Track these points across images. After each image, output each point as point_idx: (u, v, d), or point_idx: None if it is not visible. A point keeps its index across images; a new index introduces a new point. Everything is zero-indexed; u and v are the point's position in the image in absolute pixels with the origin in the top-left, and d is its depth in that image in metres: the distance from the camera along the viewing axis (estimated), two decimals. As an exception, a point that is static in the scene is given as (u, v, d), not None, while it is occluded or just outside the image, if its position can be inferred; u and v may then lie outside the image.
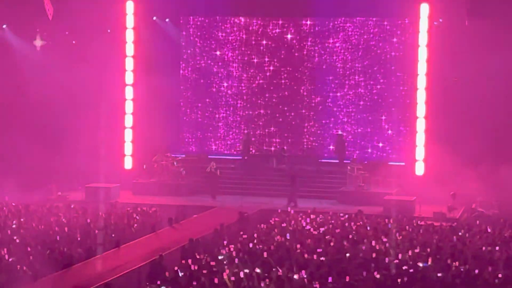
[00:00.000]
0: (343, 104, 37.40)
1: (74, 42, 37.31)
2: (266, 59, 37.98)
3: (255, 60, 38.03)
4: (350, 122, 37.35)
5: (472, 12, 32.25)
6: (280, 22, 37.69)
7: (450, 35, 33.86)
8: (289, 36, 37.60)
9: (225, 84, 38.41)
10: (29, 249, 22.46)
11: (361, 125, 37.22)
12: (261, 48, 37.94)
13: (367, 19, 36.87)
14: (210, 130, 38.67)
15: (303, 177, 34.01)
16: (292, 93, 37.87)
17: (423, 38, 34.40)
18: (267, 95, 38.12)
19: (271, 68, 37.96)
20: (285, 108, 37.96)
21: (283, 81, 37.91)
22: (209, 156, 37.06)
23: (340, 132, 37.04)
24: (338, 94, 37.39)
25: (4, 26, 37.09)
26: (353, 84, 37.23)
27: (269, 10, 36.95)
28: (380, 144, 36.90)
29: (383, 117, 36.95)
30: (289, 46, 37.70)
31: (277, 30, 37.75)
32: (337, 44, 37.20)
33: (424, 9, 34.32)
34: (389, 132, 36.85)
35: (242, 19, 38.00)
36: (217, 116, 38.59)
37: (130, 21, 36.99)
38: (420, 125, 34.40)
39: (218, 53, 38.26)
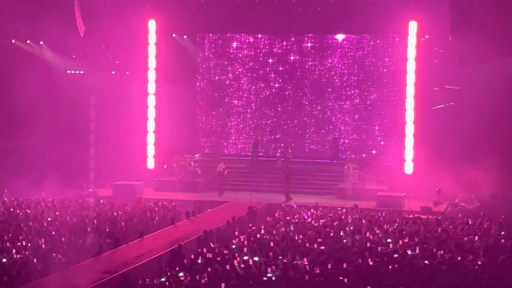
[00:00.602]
0: (340, 113, 37.27)
1: (102, 56, 37.34)
2: (272, 74, 37.85)
3: (262, 74, 37.93)
4: (346, 129, 37.24)
5: (454, 30, 32.22)
6: (284, 43, 37.54)
7: (435, 50, 33.90)
8: (291, 56, 37.46)
9: (236, 96, 38.31)
10: (63, 239, 22.51)
11: (356, 132, 37.08)
12: (268, 63, 37.81)
13: (362, 37, 36.76)
14: (223, 136, 38.56)
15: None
16: (295, 104, 37.76)
17: (411, 52, 34.39)
18: (273, 105, 38.00)
19: (277, 81, 37.84)
20: (289, 117, 37.83)
21: (287, 93, 37.80)
22: (222, 157, 37.07)
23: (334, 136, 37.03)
24: (336, 105, 37.25)
25: (41, 42, 37.15)
26: (349, 95, 37.12)
27: (274, 27, 36.88)
28: (374, 151, 36.74)
29: (377, 123, 36.81)
30: (292, 62, 37.56)
31: (282, 48, 37.60)
32: (335, 60, 37.08)
33: (413, 27, 34.33)
34: (381, 138, 36.69)
35: (251, 38, 37.89)
36: (229, 124, 38.49)
37: (152, 37, 37.06)
38: (409, 129, 34.37)
39: (229, 68, 38.17)
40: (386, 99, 36.63)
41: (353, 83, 37.01)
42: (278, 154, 37.54)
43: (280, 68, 37.75)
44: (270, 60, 37.82)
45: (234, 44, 38.19)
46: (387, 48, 36.52)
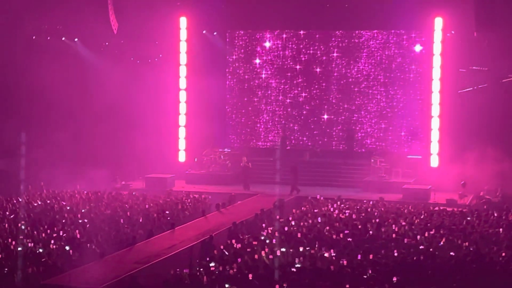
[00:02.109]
0: (365, 111, 37.04)
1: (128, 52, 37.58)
2: (300, 73, 37.72)
3: (290, 72, 37.81)
4: (372, 124, 36.98)
5: (479, 25, 31.99)
6: (312, 41, 37.31)
7: (461, 45, 33.68)
8: (318, 52, 37.32)
9: (265, 94, 38.22)
10: (97, 230, 22.71)
11: (382, 126, 36.81)
12: (295, 61, 37.68)
13: (388, 33, 36.51)
14: (252, 132, 38.49)
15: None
16: (322, 102, 37.57)
17: (437, 48, 34.21)
18: (300, 103, 37.80)
19: (304, 80, 37.68)
20: (316, 115, 37.66)
21: (314, 92, 37.63)
22: (248, 151, 37.05)
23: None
24: (362, 102, 37.02)
25: (76, 39, 37.41)
26: (375, 92, 36.89)
27: (302, 23, 36.87)
28: (401, 146, 36.53)
29: (403, 117, 36.55)
30: (319, 61, 37.43)
31: (310, 46, 37.39)
32: (361, 57, 36.89)
33: (438, 23, 34.15)
34: (407, 132, 36.46)
35: (281, 35, 37.72)
36: (258, 121, 38.39)
37: (183, 34, 37.20)
38: (435, 123, 34.22)
39: (258, 65, 38.06)
40: (412, 95, 36.38)
41: (379, 79, 36.73)
42: (308, 147, 37.42)
43: (308, 67, 37.53)
44: (298, 58, 37.65)
45: (263, 42, 38.12)
46: (412, 45, 36.27)
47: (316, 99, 37.66)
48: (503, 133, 32.81)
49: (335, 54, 37.22)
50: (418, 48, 36.05)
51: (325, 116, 37.56)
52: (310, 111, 37.75)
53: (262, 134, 38.46)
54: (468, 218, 24.67)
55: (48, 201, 27.38)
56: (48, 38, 37.06)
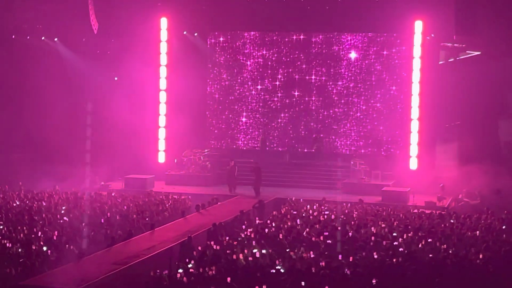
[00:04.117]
0: (347, 114, 37.11)
1: (108, 53, 37.45)
2: (280, 78, 37.67)
3: (271, 76, 37.77)
4: (352, 124, 37.05)
5: (459, 29, 32.18)
6: (291, 46, 37.41)
7: (440, 48, 33.89)
8: (298, 62, 37.31)
9: (245, 96, 38.18)
10: (76, 231, 22.57)
11: (363, 128, 36.90)
12: (276, 65, 37.63)
13: (368, 37, 36.54)
14: (233, 135, 38.44)
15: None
16: (303, 109, 37.55)
17: (417, 51, 34.34)
18: (280, 109, 37.75)
19: (284, 83, 37.66)
20: (297, 120, 37.65)
21: (294, 100, 37.58)
22: (230, 152, 37.14)
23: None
24: (342, 104, 37.12)
25: (56, 39, 37.23)
26: (355, 95, 36.93)
27: (283, 26, 36.91)
28: (383, 152, 36.62)
29: (383, 120, 36.65)
30: (299, 69, 37.40)
31: (290, 54, 37.39)
32: (342, 64, 36.87)
33: (418, 26, 34.28)
34: (387, 134, 36.56)
35: (261, 37, 37.74)
36: (237, 124, 38.34)
37: (164, 34, 37.09)
38: (414, 126, 34.32)
39: (237, 67, 38.00)
40: (392, 97, 36.50)
41: (359, 81, 36.85)
42: (285, 149, 37.45)
43: (288, 71, 37.55)
44: (278, 62, 37.61)
45: (243, 43, 38.07)
46: (392, 47, 36.38)
47: (296, 106, 37.60)
48: (482, 135, 33.01)
49: (314, 62, 37.21)
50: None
51: (305, 121, 37.56)
52: (289, 119, 37.67)
53: (241, 136, 38.39)
54: (450, 221, 24.75)
55: (27, 201, 27.18)
56: (28, 37, 36.88)
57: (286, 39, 37.60)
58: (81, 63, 37.69)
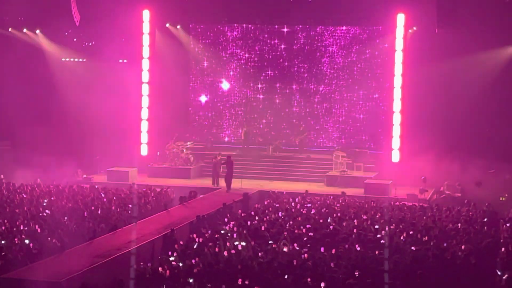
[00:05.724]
0: (328, 102, 37.25)
1: (91, 44, 37.33)
2: (263, 73, 37.76)
3: (253, 69, 37.79)
4: (334, 118, 37.19)
5: (441, 22, 32.26)
6: (276, 40, 37.46)
7: (422, 41, 33.94)
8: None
9: (228, 87, 38.17)
10: (58, 223, 22.52)
11: (345, 120, 37.08)
12: (259, 58, 37.67)
13: (350, 29, 36.66)
14: (216, 129, 38.50)
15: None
16: (284, 102, 37.61)
17: (399, 44, 34.38)
18: (262, 102, 37.86)
19: (267, 80, 37.72)
20: (278, 115, 37.73)
21: (276, 96, 37.66)
22: (214, 145, 37.18)
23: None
24: (324, 96, 37.25)
25: (38, 31, 37.04)
26: (337, 91, 37.05)
27: (265, 18, 36.92)
28: (372, 145, 36.78)
29: (365, 112, 36.84)
30: (282, 66, 37.49)
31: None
32: (324, 51, 37.03)
33: (400, 19, 34.29)
34: (369, 127, 36.71)
35: (244, 29, 37.72)
36: (221, 118, 38.41)
37: (146, 27, 36.90)
38: (396, 119, 34.37)
39: (220, 60, 38.01)
40: (374, 89, 36.63)
41: (341, 73, 36.97)
42: (268, 142, 37.50)
43: (272, 64, 37.56)
44: (261, 56, 37.64)
45: (226, 37, 38.05)
46: (374, 40, 36.49)
47: (277, 99, 37.66)
48: (463, 128, 33.17)
49: (297, 59, 37.27)
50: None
51: (287, 114, 37.64)
52: (272, 112, 37.73)
53: (225, 130, 38.40)
54: (433, 214, 24.90)
55: (9, 194, 27.08)
56: (10, 29, 36.71)
57: (269, 33, 37.59)
58: (62, 55, 37.55)
